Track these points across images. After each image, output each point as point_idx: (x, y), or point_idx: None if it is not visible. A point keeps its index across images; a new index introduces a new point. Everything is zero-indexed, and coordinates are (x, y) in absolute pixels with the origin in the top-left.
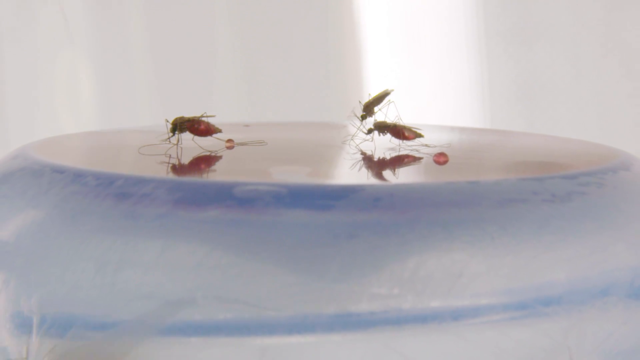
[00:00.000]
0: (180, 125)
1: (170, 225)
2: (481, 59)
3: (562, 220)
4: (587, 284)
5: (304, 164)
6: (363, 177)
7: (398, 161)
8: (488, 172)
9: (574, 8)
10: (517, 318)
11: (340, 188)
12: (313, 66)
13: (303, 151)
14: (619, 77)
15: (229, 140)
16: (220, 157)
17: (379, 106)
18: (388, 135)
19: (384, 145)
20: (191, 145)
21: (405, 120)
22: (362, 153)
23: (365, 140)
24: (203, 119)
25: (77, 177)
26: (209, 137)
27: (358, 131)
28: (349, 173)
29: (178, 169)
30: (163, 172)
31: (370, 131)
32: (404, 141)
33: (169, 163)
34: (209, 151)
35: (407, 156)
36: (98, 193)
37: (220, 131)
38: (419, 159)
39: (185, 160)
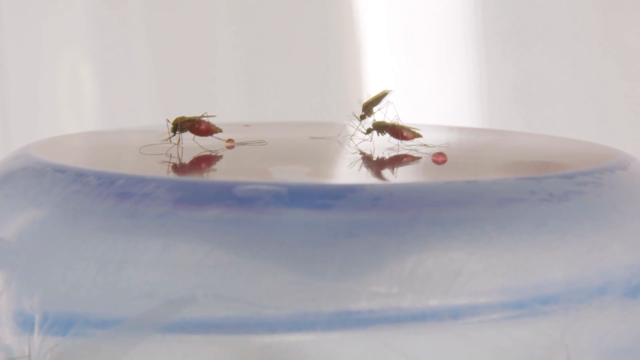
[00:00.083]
0: (181, 125)
1: (171, 224)
2: (479, 59)
3: (559, 220)
4: (585, 282)
5: (304, 163)
6: (362, 176)
7: (397, 161)
8: (486, 172)
9: (571, 9)
10: (515, 317)
11: (340, 187)
12: (313, 66)
13: (303, 151)
14: (617, 78)
15: (230, 140)
16: (220, 156)
17: (378, 106)
18: (387, 135)
19: (383, 145)
20: (192, 145)
21: (404, 120)
22: (361, 153)
23: (364, 140)
24: (204, 118)
25: (79, 176)
26: (209, 137)
27: (357, 131)
28: (349, 173)
29: (179, 168)
30: (164, 172)
31: (369, 131)
32: (403, 141)
33: (169, 163)
34: (210, 151)
35: (405, 156)
36: (99, 192)
37: (220, 131)
38: (418, 158)
39: (186, 159)
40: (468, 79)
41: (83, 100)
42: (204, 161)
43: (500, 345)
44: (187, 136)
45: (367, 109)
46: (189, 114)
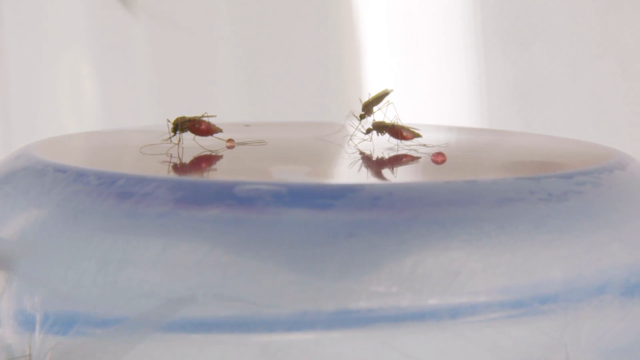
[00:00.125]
0: (182, 125)
1: (172, 224)
2: (479, 59)
3: (558, 219)
4: (583, 282)
5: (304, 163)
6: (362, 176)
7: (396, 161)
8: (485, 172)
9: (570, 9)
10: (515, 316)
11: (340, 187)
12: (313, 66)
13: (303, 151)
14: (615, 78)
15: (230, 140)
16: (220, 156)
17: (378, 106)
18: (386, 135)
19: (383, 145)
20: (192, 144)
21: (404, 120)
22: (361, 153)
23: (364, 140)
24: (204, 118)
25: (80, 176)
26: (209, 137)
27: (357, 131)
28: (348, 172)
29: (179, 168)
30: (164, 172)
31: (368, 131)
32: (402, 141)
33: (170, 162)
34: (210, 151)
35: (405, 156)
36: (100, 192)
37: (220, 131)
38: (417, 158)
39: (186, 159)
40: (467, 79)
41: (84, 100)
42: (204, 161)
43: (500, 344)
44: (188, 136)
45: (367, 108)
46: (190, 114)
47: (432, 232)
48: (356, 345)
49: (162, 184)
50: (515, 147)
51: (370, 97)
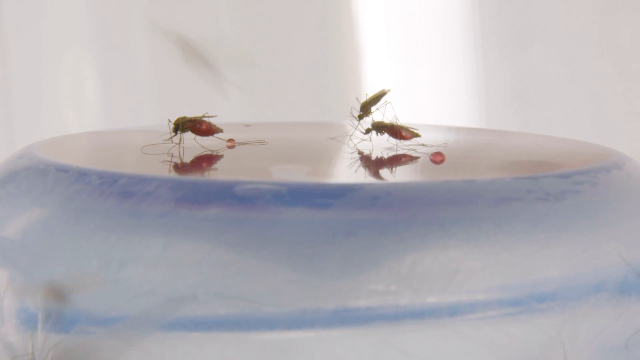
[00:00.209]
0: (182, 125)
1: (173, 223)
2: (477, 60)
3: (556, 218)
4: (581, 280)
5: (304, 163)
6: (361, 176)
7: (395, 160)
8: (484, 171)
9: (568, 10)
10: (512, 314)
11: (339, 187)
12: (313, 67)
13: (302, 150)
14: (613, 78)
15: (230, 140)
16: (221, 156)
17: (376, 106)
18: (386, 135)
19: (382, 145)
20: (193, 144)
21: (403, 120)
22: (360, 152)
23: (363, 140)
24: (205, 119)
25: (81, 176)
26: (210, 137)
27: (356, 131)
28: (348, 172)
29: (180, 168)
30: (165, 171)
31: (368, 131)
32: (401, 141)
33: (171, 162)
34: (211, 150)
35: (404, 155)
36: (102, 192)
37: (221, 131)
38: (416, 158)
39: (187, 159)
40: (466, 80)
41: (85, 100)
42: (205, 161)
43: (498, 342)
44: (189, 136)
45: (366, 108)
46: (190, 114)
47: (431, 231)
48: (355, 344)
49: (163, 183)
50: (513, 147)
51: (368, 97)
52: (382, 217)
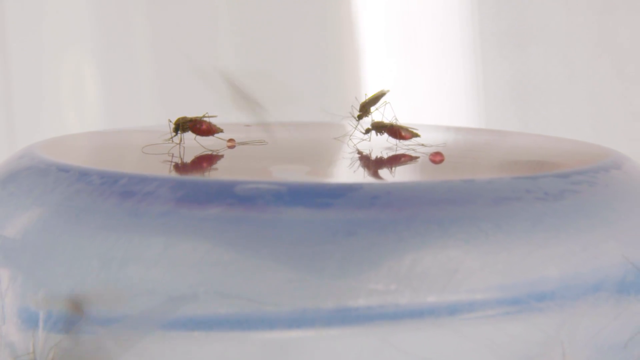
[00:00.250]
0: (183, 125)
1: (173, 222)
2: (476, 60)
3: (554, 218)
4: (580, 279)
5: (303, 162)
6: (361, 175)
7: (395, 160)
8: (483, 171)
9: (567, 11)
10: (511, 313)
11: (339, 186)
12: (312, 67)
13: (302, 150)
14: (611, 78)
15: (230, 140)
16: (221, 156)
17: (375, 106)
18: (385, 135)
19: (381, 145)
20: (193, 144)
21: (402, 120)
22: (360, 152)
23: (363, 140)
24: (205, 119)
25: (82, 175)
26: (210, 137)
27: (355, 131)
28: (347, 172)
29: (180, 167)
30: (166, 171)
31: (367, 131)
32: (401, 141)
33: (171, 162)
34: (211, 150)
35: (403, 155)
36: (102, 191)
37: (221, 131)
38: (416, 158)
39: (188, 159)
40: (465, 80)
41: (86, 100)
42: (206, 160)
43: (497, 341)
44: (189, 136)
45: (365, 109)
46: (191, 114)
47: (430, 231)
48: (355, 342)
49: (164, 183)
50: (512, 147)
51: (367, 97)
52: (382, 216)
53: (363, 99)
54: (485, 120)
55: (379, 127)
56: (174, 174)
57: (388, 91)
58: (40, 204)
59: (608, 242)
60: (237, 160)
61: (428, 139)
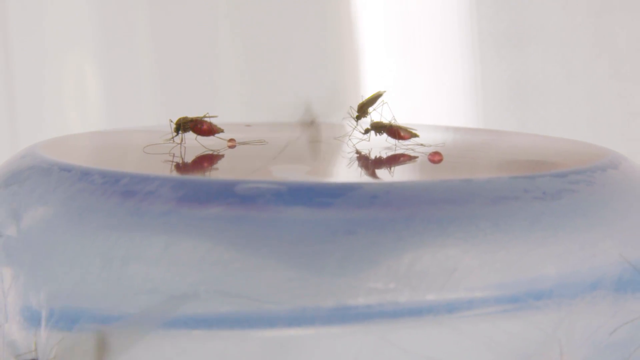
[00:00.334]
0: (184, 125)
1: (174, 222)
2: (475, 60)
3: (552, 217)
4: (577, 278)
5: (303, 162)
6: (360, 175)
7: (394, 160)
8: (481, 171)
9: (564, 11)
10: (509, 311)
11: (339, 186)
12: (312, 68)
13: (302, 150)
14: (608, 79)
15: (231, 140)
16: (222, 156)
17: (373, 107)
18: (384, 135)
19: (380, 145)
20: (194, 144)
21: (401, 120)
22: (359, 152)
23: (362, 140)
24: (206, 119)
25: (84, 175)
26: (211, 137)
27: (355, 131)
28: (347, 171)
29: (181, 167)
30: (167, 171)
31: (367, 131)
32: (400, 141)
33: (172, 162)
34: (212, 150)
35: (402, 155)
36: (104, 191)
37: (222, 131)
38: (415, 158)
39: (189, 159)
40: (463, 80)
41: (88, 100)
42: (206, 160)
43: (495, 339)
44: (190, 136)
45: (362, 109)
46: (192, 114)
47: (429, 230)
48: (355, 340)
49: (165, 182)
50: (510, 147)
51: (364, 98)
52: (381, 215)
53: (360, 101)
54: (483, 120)
55: (378, 127)
56: (175, 174)
57: (385, 92)
58: (43, 203)
59: (605, 241)
60: (237, 160)
61: (427, 139)
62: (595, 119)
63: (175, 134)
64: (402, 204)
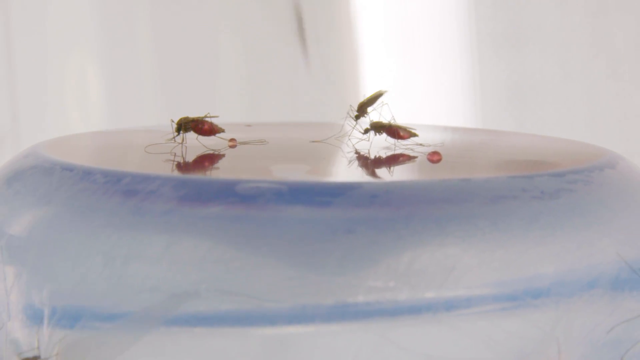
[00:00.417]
0: (185, 125)
1: (175, 221)
2: (473, 61)
3: (550, 216)
4: (575, 276)
5: (303, 162)
6: (360, 174)
7: (393, 160)
8: (479, 170)
9: (562, 12)
10: (508, 309)
11: (338, 185)
12: (312, 68)
13: (302, 150)
14: (606, 79)
15: (232, 140)
16: (223, 155)
17: (373, 106)
18: (384, 135)
19: (380, 145)
20: (195, 144)
21: (400, 120)
22: (359, 152)
23: (362, 140)
24: (207, 119)
25: (86, 174)
26: (212, 137)
27: (354, 131)
28: (347, 171)
29: (183, 167)
30: (168, 170)
31: (367, 131)
32: (399, 140)
33: (174, 161)
34: (213, 150)
35: (402, 155)
36: (106, 190)
37: (223, 131)
38: (414, 157)
39: (190, 158)
40: (462, 80)
41: (90, 101)
42: (207, 160)
43: (493, 337)
44: (191, 136)
45: (362, 109)
46: (193, 114)
47: (428, 229)
48: (354, 338)
49: (166, 182)
50: (508, 147)
51: (364, 98)
52: (381, 215)
53: (361, 100)
54: (482, 120)
55: (378, 127)
56: (176, 173)
57: (385, 92)
58: (45, 203)
59: (603, 240)
60: (238, 159)
61: (426, 139)
62: (593, 119)
63: (176, 133)
64: (402, 203)
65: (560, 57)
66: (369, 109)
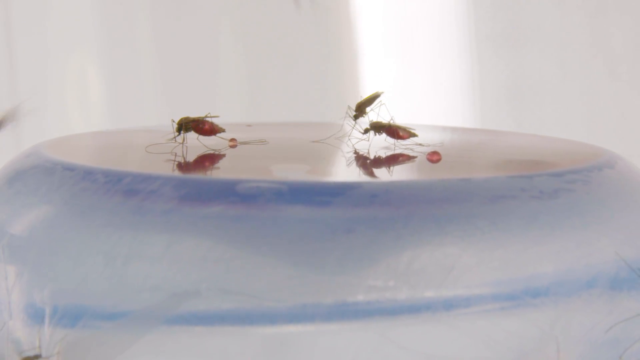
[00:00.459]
0: (186, 125)
1: (176, 220)
2: (472, 61)
3: (549, 216)
4: (573, 276)
5: (303, 162)
6: (360, 174)
7: (393, 159)
8: (479, 170)
9: (561, 12)
10: (507, 308)
11: (338, 185)
12: (312, 68)
13: (302, 150)
14: (604, 79)
15: (232, 140)
16: (223, 155)
17: (370, 107)
18: (383, 135)
19: (380, 145)
20: (196, 144)
21: (400, 120)
22: (359, 152)
23: (362, 140)
24: (207, 119)
25: (87, 174)
26: (213, 137)
27: (354, 131)
28: (346, 171)
29: (183, 166)
30: (169, 170)
31: (366, 131)
32: (399, 140)
33: (174, 161)
34: (213, 150)
35: (401, 155)
36: (107, 190)
37: (223, 131)
38: (413, 157)
39: (191, 158)
40: (461, 81)
41: (91, 101)
42: (208, 160)
43: (493, 336)
44: (192, 136)
45: (360, 109)
46: (193, 114)
47: (428, 228)
48: (354, 337)
49: (167, 181)
50: (507, 147)
51: (362, 99)
52: (380, 214)
53: (358, 101)
54: (481, 120)
55: (378, 127)
56: (177, 173)
57: (382, 93)
58: (46, 202)
59: (601, 240)
60: (238, 159)
61: (425, 139)
62: (592, 119)
63: (177, 133)
64: (401, 203)
65: (559, 58)
66: (367, 109)
